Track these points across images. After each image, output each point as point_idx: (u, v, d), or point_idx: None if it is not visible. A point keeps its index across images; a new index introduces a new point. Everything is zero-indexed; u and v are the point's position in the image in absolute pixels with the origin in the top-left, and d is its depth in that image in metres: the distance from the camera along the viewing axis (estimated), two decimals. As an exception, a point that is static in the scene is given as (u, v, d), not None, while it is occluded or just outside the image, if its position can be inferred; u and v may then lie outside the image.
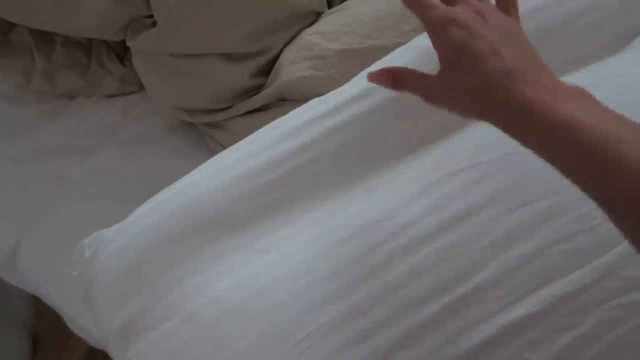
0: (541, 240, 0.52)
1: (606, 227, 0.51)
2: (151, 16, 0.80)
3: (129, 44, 0.84)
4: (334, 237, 0.56)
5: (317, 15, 0.79)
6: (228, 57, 0.77)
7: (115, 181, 0.92)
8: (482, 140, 0.58)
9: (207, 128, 0.86)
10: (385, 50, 0.62)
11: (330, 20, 0.76)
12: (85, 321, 0.85)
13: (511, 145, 0.43)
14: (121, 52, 0.97)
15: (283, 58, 0.76)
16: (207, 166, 0.64)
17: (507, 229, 0.53)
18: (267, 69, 0.78)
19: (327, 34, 0.74)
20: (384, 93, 0.59)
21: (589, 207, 0.49)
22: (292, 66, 0.73)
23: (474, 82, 0.42)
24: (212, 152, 0.73)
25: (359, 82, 0.61)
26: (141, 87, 0.97)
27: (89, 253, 0.65)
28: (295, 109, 0.63)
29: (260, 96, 0.76)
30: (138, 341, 0.58)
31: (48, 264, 0.88)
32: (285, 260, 0.56)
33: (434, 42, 0.45)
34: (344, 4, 0.79)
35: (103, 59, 0.95)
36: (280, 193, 0.59)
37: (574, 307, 0.50)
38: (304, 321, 0.53)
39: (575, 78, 0.56)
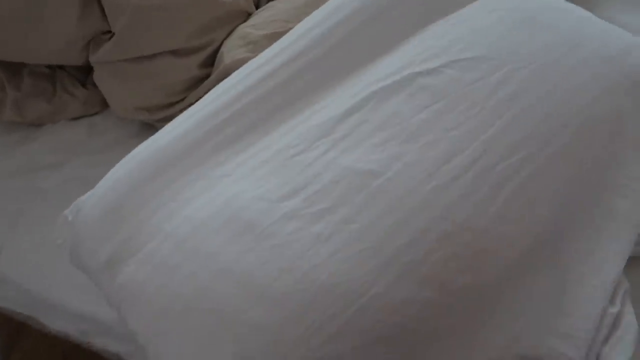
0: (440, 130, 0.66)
1: (484, 112, 0.66)
2: (108, 31, 0.96)
3: (91, 59, 0.99)
4: (282, 155, 0.69)
5: (249, 15, 0.98)
6: (177, 53, 0.93)
7: (86, 187, 1.02)
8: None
9: (165, 122, 0.99)
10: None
11: (259, 15, 0.94)
12: (68, 304, 0.92)
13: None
14: (82, 78, 1.11)
15: (223, 48, 0.93)
16: (167, 125, 0.78)
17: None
18: (212, 61, 0.95)
19: (256, 25, 0.92)
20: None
21: (470, 102, 0.66)
22: (231, 52, 0.90)
23: None
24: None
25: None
26: (103, 107, 1.11)
27: (71, 216, 0.75)
28: (234, 72, 0.79)
29: (208, 82, 0.92)
30: (125, 266, 0.68)
31: (29, 261, 0.97)
32: (243, 178, 0.69)
33: None
34: (270, 3, 0.98)
35: (66, 84, 1.09)
36: (232, 130, 0.73)
37: (471, 174, 0.63)
38: (265, 216, 0.64)
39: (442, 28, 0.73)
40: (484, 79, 0.67)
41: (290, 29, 0.88)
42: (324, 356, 0.58)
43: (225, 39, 0.95)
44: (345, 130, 0.69)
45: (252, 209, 0.65)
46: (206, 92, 0.93)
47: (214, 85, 0.92)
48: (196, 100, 0.94)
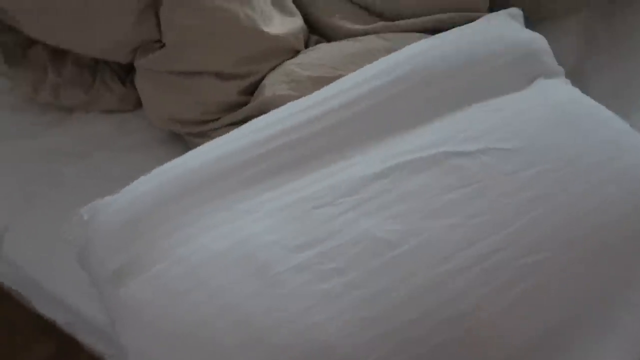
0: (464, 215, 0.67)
1: (511, 206, 0.67)
2: (159, 41, 0.98)
3: (136, 63, 1.01)
4: (307, 204, 0.70)
5: (297, 52, 1.00)
6: (220, 75, 0.95)
7: (105, 180, 1.02)
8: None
9: (194, 137, 1.01)
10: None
11: (306, 55, 0.96)
12: (60, 294, 0.93)
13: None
14: (123, 75, 1.13)
15: (266, 80, 0.94)
16: (202, 147, 0.79)
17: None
18: (252, 90, 0.97)
19: (302, 65, 0.93)
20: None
21: (499, 193, 0.67)
22: (273, 86, 0.92)
23: None
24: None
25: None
26: (136, 106, 1.13)
27: (86, 217, 0.76)
28: (275, 110, 0.80)
29: (245, 109, 0.94)
30: (131, 282, 0.69)
31: (35, 245, 0.98)
32: (265, 218, 0.70)
33: None
34: (318, 45, 1.00)
35: (106, 79, 1.11)
36: (263, 166, 0.74)
37: (487, 265, 0.64)
38: (278, 262, 0.65)
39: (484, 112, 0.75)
40: (517, 174, 0.68)
41: (337, 75, 0.90)
42: None
43: (270, 71, 0.97)
44: (371, 193, 0.70)
45: (268, 252, 0.66)
46: (240, 119, 0.96)
47: (249, 114, 0.95)
48: (229, 124, 0.97)
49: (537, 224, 0.64)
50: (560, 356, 0.64)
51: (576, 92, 0.80)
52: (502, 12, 0.92)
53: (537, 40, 0.85)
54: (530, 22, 0.97)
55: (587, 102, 0.77)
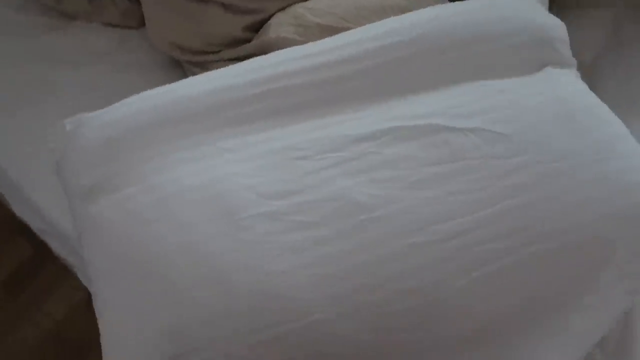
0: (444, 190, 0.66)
1: (490, 190, 0.66)
2: (170, -39, 0.94)
3: (145, -20, 0.97)
4: (289, 154, 0.69)
5: (309, -5, 0.96)
6: (228, 7, 0.92)
7: (96, 94, 1.01)
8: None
9: (193, 66, 0.99)
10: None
11: (318, 1, 0.92)
12: (38, 201, 0.94)
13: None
14: (129, -11, 1.09)
15: (273, 20, 0.91)
16: (197, 77, 0.77)
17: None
18: (258, 27, 0.94)
19: (313, 10, 0.90)
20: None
21: (482, 176, 0.65)
22: (279, 28, 0.89)
23: None
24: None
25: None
26: (140, 24, 1.10)
27: (69, 127, 0.75)
28: (276, 52, 0.78)
29: (247, 46, 0.91)
30: (102, 199, 0.69)
31: (19, 147, 0.97)
32: (244, 161, 0.69)
33: None
34: (333, -9, 0.96)
35: (112, -10, 1.07)
36: (253, 108, 0.73)
37: (456, 243, 0.63)
38: (249, 207, 0.65)
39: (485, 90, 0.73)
40: (503, 159, 0.66)
41: (345, 27, 0.87)
42: (251, 358, 0.59)
43: (278, 10, 0.93)
44: (355, 154, 0.68)
45: (239, 196, 0.65)
46: (242, 55, 0.93)
47: (251, 52, 0.92)
48: (230, 59, 0.95)
49: (512, 212, 0.64)
50: (508, 348, 0.65)
51: (583, 86, 0.77)
52: (528, -10, 0.87)
53: (555, 27, 0.81)
54: (556, 8, 0.94)
55: (591, 99, 0.75)
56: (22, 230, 1.19)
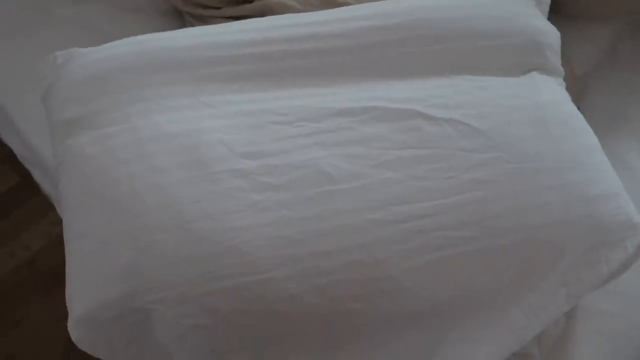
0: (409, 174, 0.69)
1: (454, 180, 0.68)
2: None
3: None
4: (267, 117, 0.71)
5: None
6: (235, -35, 0.92)
7: (93, 32, 1.03)
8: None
9: (193, 19, 1.00)
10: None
11: (325, -27, 0.93)
12: (25, 128, 0.95)
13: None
14: None
15: (276, -16, 0.92)
16: (192, 29, 0.78)
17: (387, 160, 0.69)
18: (261, -11, 0.94)
19: (318, -20, 0.91)
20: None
21: (448, 165, 0.68)
22: (280, -8, 0.90)
23: None
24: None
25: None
26: (147, -30, 1.10)
27: (60, 60, 0.76)
28: (273, 17, 0.79)
29: (247, 7, 0.92)
30: (81, 134, 0.71)
31: (12, 75, 0.99)
32: (222, 117, 0.71)
33: None
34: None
35: None
36: (239, 68, 0.74)
37: (411, 226, 0.66)
38: (220, 161, 0.66)
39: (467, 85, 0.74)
40: (471, 153, 0.69)
41: (346, 3, 0.88)
42: (203, 304, 0.62)
43: (284, -25, 0.94)
44: (332, 127, 0.70)
45: (213, 149, 0.67)
46: (241, 14, 0.94)
47: (250, 13, 0.94)
48: (229, 17, 0.96)
49: (470, 205, 0.66)
50: (448, 329, 0.68)
51: (564, 96, 0.79)
52: (531, -6, 0.88)
53: (549, 33, 0.83)
54: (557, 17, 0.95)
55: (568, 109, 0.76)
56: (9, 159, 1.20)
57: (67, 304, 0.66)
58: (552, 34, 0.83)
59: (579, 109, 0.80)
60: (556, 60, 0.83)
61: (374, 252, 0.64)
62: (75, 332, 0.63)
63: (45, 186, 1.04)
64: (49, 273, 1.32)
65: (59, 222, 1.22)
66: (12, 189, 1.42)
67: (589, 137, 0.75)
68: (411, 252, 0.65)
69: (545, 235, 0.67)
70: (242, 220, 0.64)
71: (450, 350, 0.67)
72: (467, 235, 0.66)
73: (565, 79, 0.84)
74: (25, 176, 1.29)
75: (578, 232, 0.68)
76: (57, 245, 1.33)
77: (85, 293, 0.64)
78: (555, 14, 0.98)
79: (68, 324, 0.64)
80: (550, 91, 0.77)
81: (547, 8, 0.90)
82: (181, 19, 1.05)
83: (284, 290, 0.62)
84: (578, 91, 1.02)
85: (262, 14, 0.91)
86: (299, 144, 0.69)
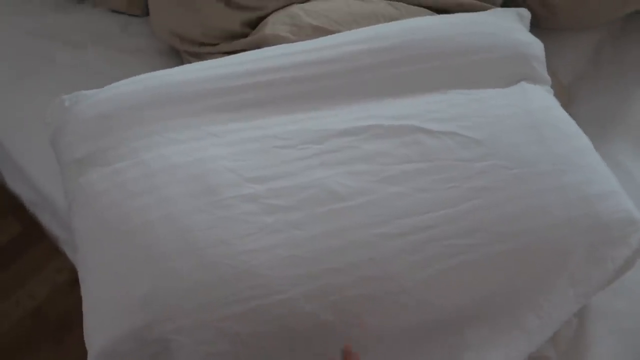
0: (413, 187, 0.71)
1: (456, 190, 0.70)
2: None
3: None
4: (271, 142, 0.73)
5: (307, -2, 1.01)
6: (228, 3, 0.97)
7: (94, 75, 1.05)
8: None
9: (190, 57, 1.03)
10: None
11: (315, 3, 0.97)
12: (30, 173, 0.97)
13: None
14: (137, -22, 1.13)
15: (270, 18, 0.96)
16: (192, 65, 0.81)
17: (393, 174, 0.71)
18: (256, 24, 0.99)
19: (309, 12, 0.95)
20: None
21: (449, 176, 0.70)
22: (275, 26, 0.93)
23: None
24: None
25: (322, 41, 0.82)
26: (144, 13, 1.14)
27: (68, 103, 0.79)
28: (268, 47, 0.83)
29: (243, 41, 0.96)
30: (92, 171, 0.73)
31: (16, 118, 1.01)
32: (228, 145, 0.73)
33: None
34: (331, -4, 1.01)
35: (119, -22, 1.12)
36: (240, 97, 0.77)
37: (419, 237, 0.68)
38: (229, 188, 0.69)
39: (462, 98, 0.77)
40: (471, 162, 0.71)
41: (337, 30, 0.92)
42: (221, 330, 0.63)
43: (277, 9, 0.98)
44: (335, 147, 0.73)
45: (221, 176, 0.70)
46: (237, 49, 0.98)
47: (246, 47, 0.97)
48: (226, 52, 0.99)
49: (474, 212, 0.68)
50: (463, 336, 0.69)
51: (553, 102, 0.82)
52: (511, 10, 0.93)
53: (533, 45, 0.87)
54: (536, 27, 0.99)
55: (558, 114, 0.80)
56: (11, 209, 1.21)
57: (85, 341, 0.67)
58: (536, 46, 0.87)
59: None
60: (542, 69, 0.86)
61: (385, 266, 0.66)
62: None
63: (54, 229, 1.05)
64: (56, 320, 1.31)
65: (63, 269, 1.22)
66: (14, 239, 1.42)
67: (581, 139, 0.77)
68: (421, 262, 0.66)
69: (549, 236, 0.69)
70: (255, 243, 0.65)
71: (473, 354, 0.68)
72: (474, 242, 0.68)
73: (553, 88, 0.88)
74: (28, 225, 1.30)
75: (580, 232, 0.70)
76: (62, 292, 1.35)
77: (104, 326, 0.65)
78: (536, 27, 1.02)
79: (88, 361, 0.64)
80: (539, 98, 0.81)
81: (528, 22, 0.94)
82: (179, 58, 1.09)
83: (300, 308, 0.64)
84: (567, 99, 1.05)
85: (257, 46, 0.95)
86: (304, 166, 0.71)
